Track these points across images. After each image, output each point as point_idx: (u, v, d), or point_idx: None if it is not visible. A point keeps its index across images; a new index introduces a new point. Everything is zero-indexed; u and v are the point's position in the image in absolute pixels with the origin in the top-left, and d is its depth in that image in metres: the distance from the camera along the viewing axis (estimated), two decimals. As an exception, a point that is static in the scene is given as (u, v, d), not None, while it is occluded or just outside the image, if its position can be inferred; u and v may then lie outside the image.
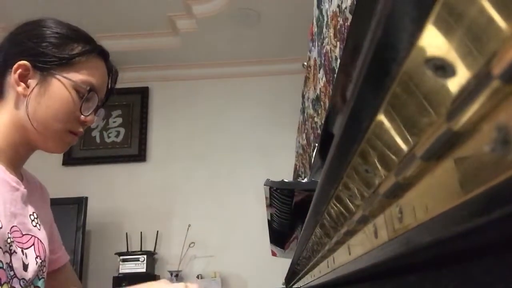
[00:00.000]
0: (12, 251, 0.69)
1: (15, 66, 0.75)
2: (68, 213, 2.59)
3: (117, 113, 3.17)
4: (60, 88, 0.76)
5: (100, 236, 2.88)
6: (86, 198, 2.70)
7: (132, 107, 3.18)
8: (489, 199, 0.12)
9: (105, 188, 2.98)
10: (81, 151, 3.07)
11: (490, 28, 0.11)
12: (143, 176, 3.04)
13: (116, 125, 3.16)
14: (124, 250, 2.74)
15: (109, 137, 3.14)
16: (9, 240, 0.69)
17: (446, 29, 0.13)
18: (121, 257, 2.62)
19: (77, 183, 2.95)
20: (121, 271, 2.58)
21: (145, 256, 2.62)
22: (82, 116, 0.79)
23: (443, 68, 0.14)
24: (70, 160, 3.04)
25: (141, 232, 2.83)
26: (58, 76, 0.76)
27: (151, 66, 3.22)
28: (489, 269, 0.18)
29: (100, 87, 0.82)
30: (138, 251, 2.69)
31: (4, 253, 0.67)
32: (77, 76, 0.78)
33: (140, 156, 3.09)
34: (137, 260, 2.61)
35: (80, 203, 2.66)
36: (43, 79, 0.76)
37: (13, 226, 0.71)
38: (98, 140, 3.13)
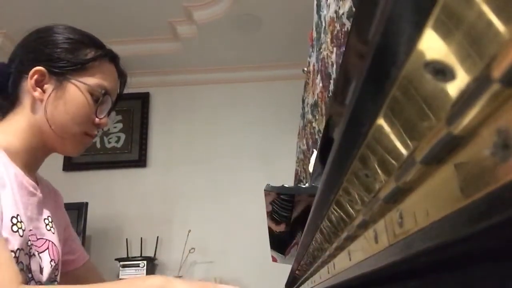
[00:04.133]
0: (32, 254, 0.72)
1: (31, 72, 0.77)
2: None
3: (117, 119, 3.17)
4: (76, 92, 0.79)
5: (100, 242, 2.87)
6: (86, 203, 2.69)
7: (132, 112, 3.19)
8: (490, 203, 0.12)
9: (105, 193, 2.97)
10: (81, 156, 3.06)
11: (489, 31, 0.11)
12: (143, 181, 3.04)
13: (116, 130, 3.16)
14: (124, 255, 2.73)
15: (109, 142, 3.14)
16: (29, 243, 0.71)
17: (445, 32, 0.13)
18: (121, 263, 2.62)
19: (77, 188, 2.94)
20: (121, 276, 2.57)
21: (145, 262, 2.61)
22: (97, 118, 0.82)
23: (443, 72, 0.14)
24: (70, 165, 3.04)
25: (141, 238, 2.82)
26: (73, 81, 0.79)
27: (151, 72, 3.22)
28: (490, 274, 0.17)
29: (113, 90, 0.85)
30: (138, 257, 2.69)
31: (25, 255, 0.69)
32: (91, 80, 0.80)
33: (140, 161, 3.08)
34: (137, 265, 2.60)
35: (80, 209, 2.66)
36: (59, 84, 0.78)
37: (30, 230, 0.74)
38: (98, 145, 3.13)
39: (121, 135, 3.16)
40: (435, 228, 0.16)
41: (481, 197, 0.13)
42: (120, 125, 3.17)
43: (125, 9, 2.62)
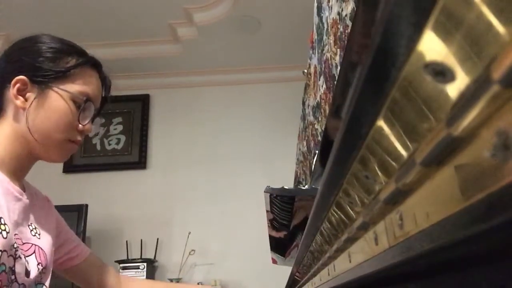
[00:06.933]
0: (17, 256, 0.72)
1: (13, 81, 0.79)
2: (69, 220, 2.58)
3: (117, 121, 3.17)
4: (57, 100, 0.80)
5: (100, 244, 2.87)
6: (87, 205, 2.69)
7: (132, 114, 3.19)
8: (490, 205, 0.12)
9: (105, 195, 2.97)
10: (82, 158, 3.07)
11: (489, 32, 0.11)
12: (143, 183, 3.04)
13: (116, 132, 3.16)
14: (124, 257, 2.73)
15: (109, 144, 3.14)
16: (15, 245, 0.72)
17: (445, 34, 0.13)
18: (121, 265, 2.61)
19: (78, 190, 2.95)
20: (121, 279, 2.57)
21: (145, 264, 2.61)
22: (80, 125, 0.83)
23: (443, 73, 0.14)
24: (70, 167, 3.04)
25: (141, 240, 2.82)
26: (55, 89, 0.80)
27: (152, 74, 3.23)
28: (491, 276, 0.17)
29: (96, 96, 0.86)
30: (138, 259, 2.68)
31: (8, 256, 0.69)
32: (73, 87, 0.81)
33: (140, 163, 3.08)
34: (137, 267, 2.60)
35: (80, 210, 2.66)
36: (41, 92, 0.79)
37: (15, 234, 0.74)
38: (98, 147, 3.13)
39: (121, 137, 3.16)
40: (435, 230, 0.16)
41: (481, 198, 0.13)
42: (120, 127, 3.17)
43: (126, 11, 2.62)
